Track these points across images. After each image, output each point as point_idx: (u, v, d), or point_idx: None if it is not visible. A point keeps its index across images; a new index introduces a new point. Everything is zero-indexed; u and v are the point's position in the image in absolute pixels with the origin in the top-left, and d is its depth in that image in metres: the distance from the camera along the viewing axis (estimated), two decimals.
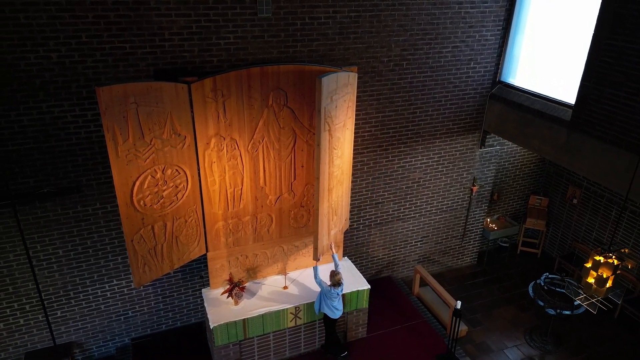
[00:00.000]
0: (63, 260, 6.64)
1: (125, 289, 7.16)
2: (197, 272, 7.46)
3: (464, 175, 8.84)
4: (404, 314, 8.19)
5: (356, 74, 6.35)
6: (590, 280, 4.68)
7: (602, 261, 4.60)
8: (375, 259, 8.92)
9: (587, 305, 4.97)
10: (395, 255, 9.06)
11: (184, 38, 6.00)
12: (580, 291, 4.93)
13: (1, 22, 5.21)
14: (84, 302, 7.00)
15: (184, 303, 7.68)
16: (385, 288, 8.81)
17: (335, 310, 6.60)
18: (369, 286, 7.27)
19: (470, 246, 9.75)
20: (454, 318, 6.83)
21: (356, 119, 7.41)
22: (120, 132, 5.25)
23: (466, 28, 7.50)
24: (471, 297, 8.98)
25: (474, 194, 9.04)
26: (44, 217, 6.29)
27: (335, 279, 6.46)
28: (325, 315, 6.75)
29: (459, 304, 6.78)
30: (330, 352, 7.21)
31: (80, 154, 6.13)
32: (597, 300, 4.83)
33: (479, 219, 9.50)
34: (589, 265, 4.73)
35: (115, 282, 7.06)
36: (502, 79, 8.14)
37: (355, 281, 7.33)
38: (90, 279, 6.89)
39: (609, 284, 4.61)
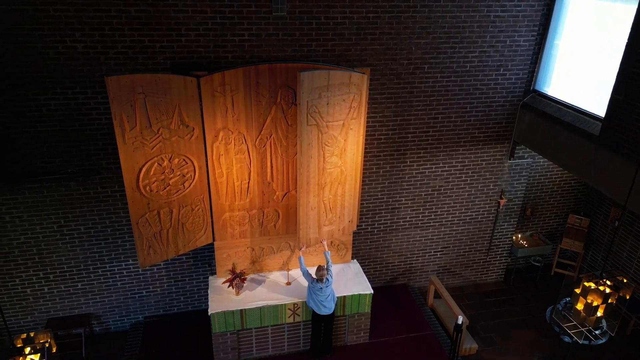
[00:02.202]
0: (84, 237, 7.15)
1: (139, 269, 7.58)
2: (207, 260, 7.73)
3: (491, 187, 8.42)
4: (412, 323, 7.97)
5: (363, 75, 6.26)
6: (580, 307, 4.29)
7: (592, 287, 4.20)
8: (390, 265, 8.74)
9: (574, 333, 4.57)
10: (412, 263, 8.83)
11: (200, 34, 6.24)
12: (570, 318, 4.54)
13: (33, 14, 5.72)
14: (102, 277, 7.51)
15: (195, 288, 7.99)
16: (399, 296, 8.61)
17: (322, 306, 6.57)
18: (372, 291, 7.15)
19: (497, 262, 9.27)
20: (455, 333, 6.56)
21: (372, 122, 7.33)
22: (127, 120, 5.58)
23: (496, 32, 7.14)
24: (490, 315, 8.55)
25: (501, 207, 8.58)
26: (68, 195, 6.82)
27: (319, 274, 6.45)
28: (313, 311, 6.75)
29: (460, 319, 6.50)
30: (316, 356, 7.19)
31: (101, 138, 6.57)
32: (587, 330, 4.42)
33: (507, 234, 9.00)
34: (578, 291, 4.33)
35: (131, 262, 7.50)
36: (536, 88, 7.67)
37: (359, 284, 7.24)
38: (108, 256, 7.37)
39: (599, 312, 4.19)
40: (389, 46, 6.90)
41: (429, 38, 6.98)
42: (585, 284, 4.27)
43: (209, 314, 6.65)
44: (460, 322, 6.45)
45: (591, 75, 6.64)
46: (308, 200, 6.30)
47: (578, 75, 6.90)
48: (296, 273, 7.41)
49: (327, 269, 6.55)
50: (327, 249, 6.88)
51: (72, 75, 6.14)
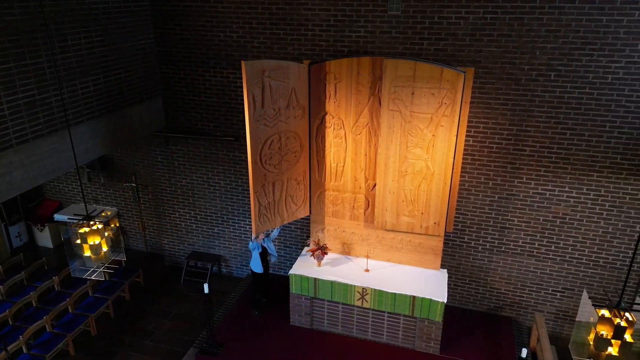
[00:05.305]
0: (222, 190, 8.88)
1: None
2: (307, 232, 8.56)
3: (637, 228, 6.92)
4: (498, 357, 7.19)
5: (459, 73, 6.01)
6: (590, 337, 3.38)
7: (605, 316, 3.29)
8: (495, 291, 7.99)
9: None
10: (523, 297, 7.87)
11: (323, 29, 7.17)
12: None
13: (208, 9, 7.57)
14: (231, 227, 9.14)
15: (293, 254, 8.89)
16: (498, 327, 7.82)
17: (256, 264, 7.81)
18: (445, 300, 6.82)
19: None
20: None
21: (483, 127, 7.04)
22: (255, 98, 6.80)
23: None
24: None
25: None
26: (215, 154, 8.60)
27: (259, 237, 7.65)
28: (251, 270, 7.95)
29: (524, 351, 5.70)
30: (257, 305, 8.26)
31: (242, 111, 8.08)
32: None
33: None
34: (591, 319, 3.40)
35: (248, 222, 8.90)
36: None
37: (434, 291, 6.97)
38: (237, 210, 8.95)
39: (614, 351, 3.24)
40: (508, 49, 6.54)
41: (558, 42, 6.33)
42: (597, 311, 3.42)
43: (288, 274, 7.48)
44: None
45: None
46: (386, 183, 6.69)
47: None
48: (376, 264, 7.60)
49: (267, 234, 7.74)
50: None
51: (227, 58, 7.84)
